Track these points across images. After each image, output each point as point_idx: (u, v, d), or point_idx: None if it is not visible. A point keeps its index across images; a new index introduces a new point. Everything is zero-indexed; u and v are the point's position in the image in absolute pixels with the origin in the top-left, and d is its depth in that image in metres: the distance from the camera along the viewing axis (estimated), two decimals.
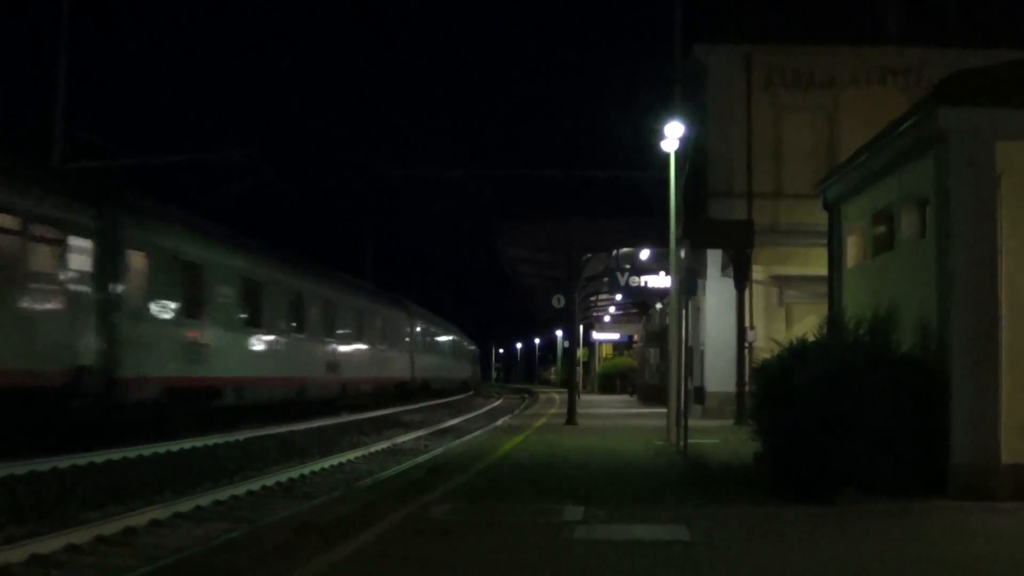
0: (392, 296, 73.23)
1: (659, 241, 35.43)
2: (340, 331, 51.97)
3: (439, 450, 31.20)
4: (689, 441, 25.06)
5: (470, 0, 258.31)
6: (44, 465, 23.51)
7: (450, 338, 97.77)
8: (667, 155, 31.87)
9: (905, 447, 15.70)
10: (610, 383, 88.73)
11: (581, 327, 77.23)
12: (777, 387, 17.18)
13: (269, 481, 22.91)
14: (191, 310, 33.55)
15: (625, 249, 44.64)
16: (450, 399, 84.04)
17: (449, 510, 14.99)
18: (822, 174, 25.28)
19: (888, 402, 15.68)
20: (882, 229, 20.36)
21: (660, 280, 40.89)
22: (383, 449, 32.72)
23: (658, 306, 59.92)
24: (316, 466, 26.67)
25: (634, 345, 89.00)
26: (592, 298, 67.04)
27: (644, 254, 45.04)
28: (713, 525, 13.70)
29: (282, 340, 42.97)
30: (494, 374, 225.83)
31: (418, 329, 78.44)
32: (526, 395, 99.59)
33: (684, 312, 29.06)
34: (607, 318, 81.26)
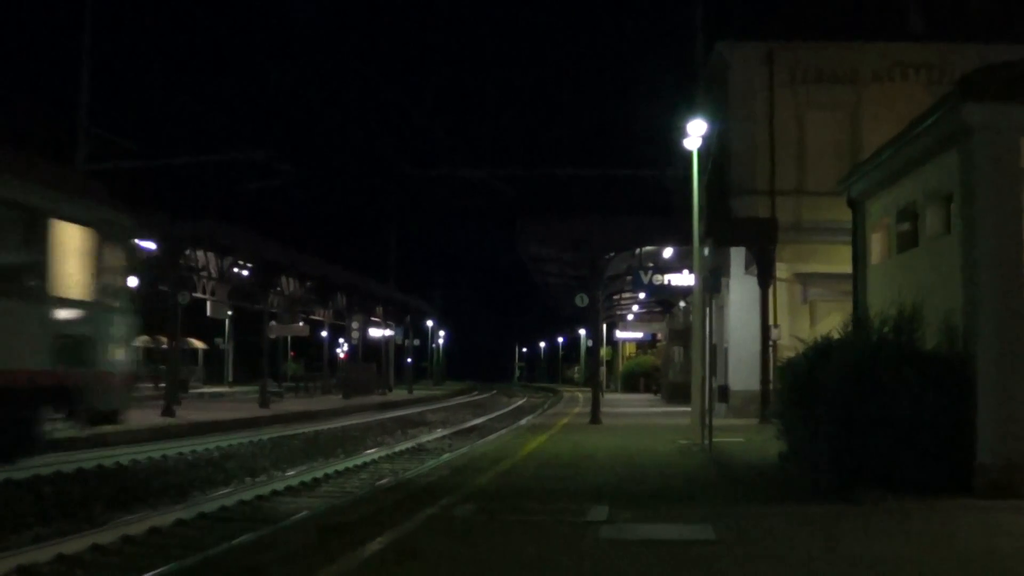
0: None
1: (682, 239, 35.41)
2: None
3: (463, 449, 31.21)
4: (714, 440, 25.02)
5: (492, 0, 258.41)
6: (69, 466, 23.60)
7: None
8: (690, 153, 31.86)
9: (931, 445, 15.63)
10: (634, 382, 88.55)
11: (604, 326, 77.25)
12: (802, 385, 17.15)
13: (293, 481, 22.96)
14: None
15: (648, 247, 44.57)
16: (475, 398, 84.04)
17: (474, 510, 14.96)
18: (845, 171, 25.18)
19: (914, 400, 15.62)
20: (906, 225, 20.28)
21: (683, 278, 40.84)
22: (407, 449, 32.75)
23: (681, 304, 59.84)
24: (340, 465, 26.72)
25: (657, 343, 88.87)
26: (615, 297, 66.99)
27: (667, 252, 44.98)
28: (739, 524, 13.67)
29: None
30: (517, 373, 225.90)
31: None
32: (550, 394, 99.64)
33: (708, 310, 28.99)
34: (630, 316, 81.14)
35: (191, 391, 70.26)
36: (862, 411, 15.61)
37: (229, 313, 79.01)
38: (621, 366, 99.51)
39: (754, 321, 39.57)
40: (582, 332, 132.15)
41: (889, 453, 15.53)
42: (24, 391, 19.58)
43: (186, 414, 41.36)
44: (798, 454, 17.50)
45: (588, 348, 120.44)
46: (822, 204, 37.05)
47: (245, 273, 58.42)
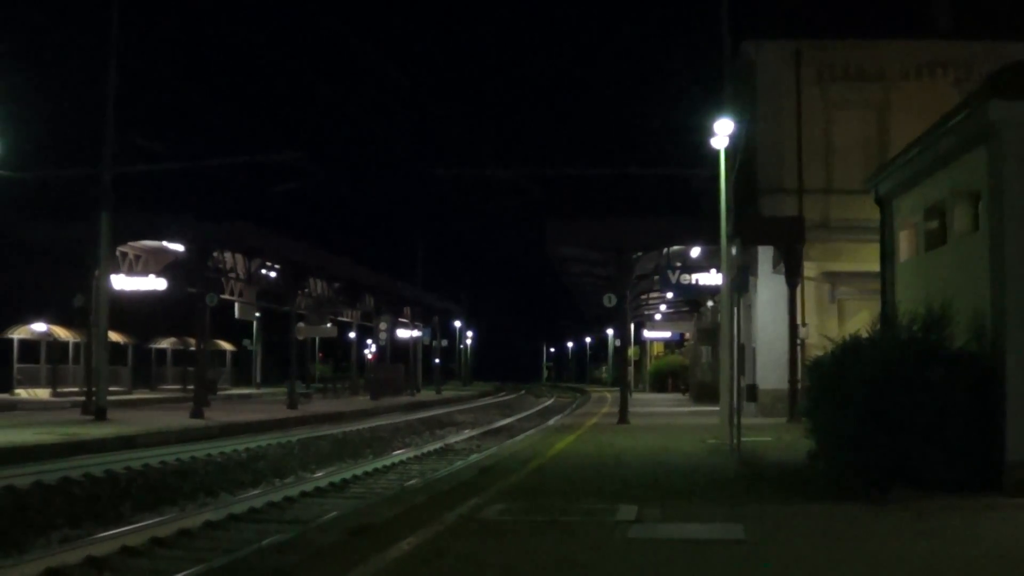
0: None
1: (710, 238, 35.35)
2: None
3: (491, 450, 31.22)
4: (742, 439, 24.95)
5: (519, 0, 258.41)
6: (98, 468, 23.71)
7: None
8: (717, 152, 31.81)
9: (959, 444, 15.58)
10: (662, 381, 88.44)
11: (632, 325, 77.11)
12: (830, 384, 17.09)
13: (322, 482, 23.03)
14: None
15: (676, 247, 44.52)
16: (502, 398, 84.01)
17: (502, 510, 14.97)
18: (873, 169, 25.12)
19: (942, 398, 15.56)
20: (934, 224, 20.21)
21: (711, 277, 40.74)
22: (435, 449, 32.80)
23: (709, 304, 59.75)
24: (369, 467, 26.78)
25: (685, 343, 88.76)
26: (643, 296, 66.90)
27: (695, 251, 44.89)
28: (768, 524, 13.64)
29: None
30: (545, 373, 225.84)
31: None
32: (578, 394, 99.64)
33: (736, 309, 28.93)
34: (658, 316, 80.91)
35: (219, 393, 70.57)
36: (890, 410, 15.55)
37: (257, 315, 79.34)
38: (649, 366, 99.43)
39: (782, 320, 39.49)
40: (610, 332, 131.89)
41: (918, 452, 15.47)
42: None
43: (215, 415, 41.53)
44: (827, 453, 17.42)
45: (616, 348, 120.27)
46: (850, 202, 37.02)
47: (273, 275, 58.60)
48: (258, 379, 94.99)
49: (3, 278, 61.49)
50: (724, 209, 31.52)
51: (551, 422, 46.44)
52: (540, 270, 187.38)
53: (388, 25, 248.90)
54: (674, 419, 42.16)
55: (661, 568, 11.14)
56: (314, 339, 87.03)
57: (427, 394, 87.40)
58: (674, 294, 54.92)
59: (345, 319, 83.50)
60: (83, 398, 43.80)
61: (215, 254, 49.70)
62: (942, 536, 12.73)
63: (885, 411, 15.58)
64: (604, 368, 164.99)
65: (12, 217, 45.45)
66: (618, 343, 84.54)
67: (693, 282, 42.41)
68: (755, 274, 40.52)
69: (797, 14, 42.53)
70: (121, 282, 47.00)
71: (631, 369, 78.54)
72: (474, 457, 29.14)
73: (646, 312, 79.63)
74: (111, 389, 46.29)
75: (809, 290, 40.86)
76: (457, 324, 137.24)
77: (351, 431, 39.50)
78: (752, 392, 41.23)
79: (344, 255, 69.28)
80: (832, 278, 41.16)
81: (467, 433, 41.28)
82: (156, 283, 48.64)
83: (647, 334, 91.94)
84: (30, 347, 67.86)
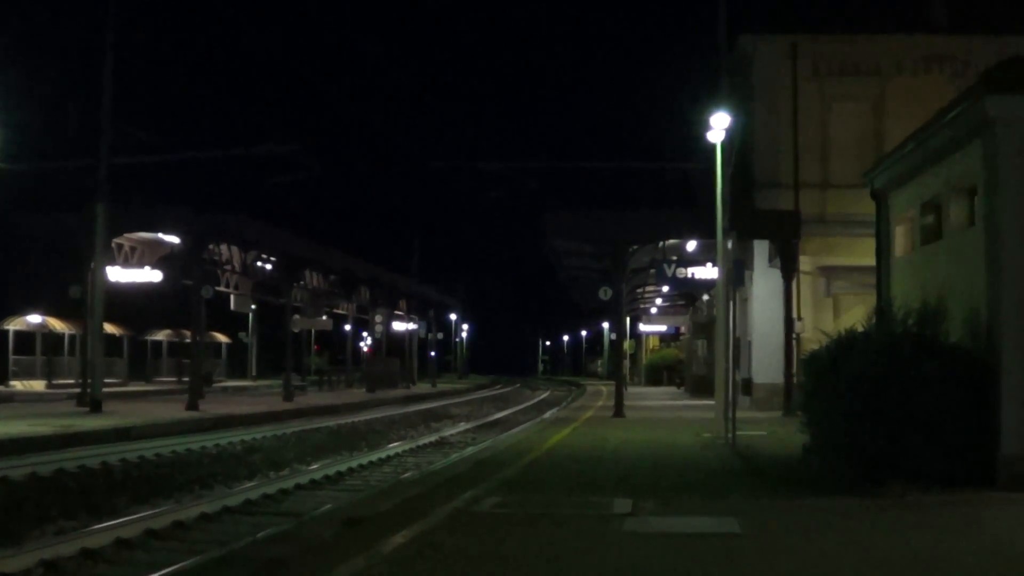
0: None
1: (706, 232, 35.35)
2: None
3: (487, 443, 31.20)
4: (737, 433, 24.97)
5: None
6: (93, 460, 23.71)
7: None
8: (713, 146, 31.81)
9: (954, 438, 15.60)
10: (657, 375, 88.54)
11: (628, 319, 77.10)
12: (825, 378, 17.11)
13: (317, 475, 23.02)
14: None
15: (671, 240, 44.51)
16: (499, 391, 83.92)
17: (498, 503, 14.97)
18: (869, 163, 25.14)
19: (937, 393, 15.59)
20: (930, 218, 20.23)
21: (707, 271, 40.70)
22: (431, 442, 32.81)
23: (705, 297, 59.68)
24: (364, 459, 26.76)
25: (681, 337, 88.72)
26: (639, 290, 66.88)
27: (691, 245, 44.85)
28: (762, 517, 13.65)
29: None
30: (541, 366, 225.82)
31: None
32: (573, 388, 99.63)
33: (732, 303, 28.94)
34: (654, 310, 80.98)
35: (215, 385, 70.54)
36: (885, 404, 15.59)
37: (253, 307, 79.27)
38: (644, 359, 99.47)
39: (777, 314, 39.53)
40: (606, 325, 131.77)
41: (912, 446, 15.50)
42: None
43: (210, 408, 41.50)
44: (822, 447, 17.47)
45: (611, 341, 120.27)
46: (846, 197, 37.07)
47: (268, 267, 58.57)
48: (253, 371, 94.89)
49: None
50: (720, 203, 31.52)
51: (546, 415, 46.41)
52: (536, 263, 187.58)
53: (386, 18, 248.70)
54: (669, 413, 42.15)
55: (655, 561, 11.13)
56: (310, 332, 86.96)
57: (423, 387, 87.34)
58: (670, 288, 55.04)
59: (341, 312, 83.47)
60: (78, 390, 43.85)
61: (211, 246, 49.71)
62: (936, 530, 12.75)
63: (880, 405, 15.62)
64: (600, 362, 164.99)
65: (8, 208, 45.43)
66: (614, 337, 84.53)
67: (689, 276, 42.38)
68: (751, 268, 40.55)
69: (794, 8, 42.64)
70: (117, 274, 46.98)
71: (627, 363, 78.57)
72: (470, 450, 29.15)
73: (642, 306, 79.65)
74: (106, 381, 46.31)
75: (805, 284, 40.92)
76: (453, 317, 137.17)
77: (346, 424, 39.50)
78: (747, 386, 41.29)
79: (340, 248, 69.26)
80: (828, 272, 41.23)
81: (463, 426, 41.29)
82: (152, 275, 48.66)
83: (643, 328, 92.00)
84: (25, 339, 67.81)
